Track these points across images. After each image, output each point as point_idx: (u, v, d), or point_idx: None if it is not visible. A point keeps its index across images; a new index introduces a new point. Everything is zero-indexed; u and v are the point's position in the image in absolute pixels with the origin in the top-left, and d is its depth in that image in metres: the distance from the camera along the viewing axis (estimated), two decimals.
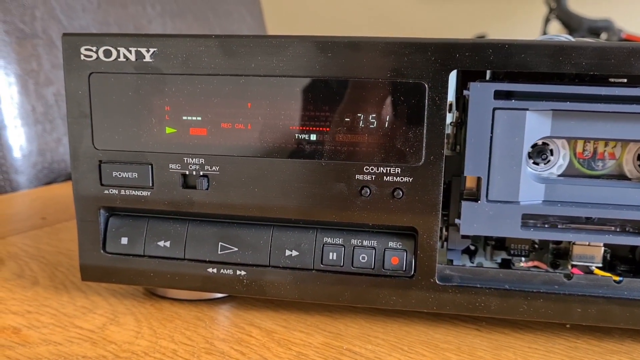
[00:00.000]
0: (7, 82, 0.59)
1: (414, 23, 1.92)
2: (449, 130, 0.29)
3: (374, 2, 1.92)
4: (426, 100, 0.26)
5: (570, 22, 1.67)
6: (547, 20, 1.65)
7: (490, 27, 1.94)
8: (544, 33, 1.65)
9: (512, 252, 0.30)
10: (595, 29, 1.67)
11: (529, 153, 0.27)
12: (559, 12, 1.68)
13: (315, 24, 1.92)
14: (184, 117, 0.28)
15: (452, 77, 0.26)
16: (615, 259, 0.29)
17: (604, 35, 1.68)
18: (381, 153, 0.26)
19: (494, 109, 0.26)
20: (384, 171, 0.26)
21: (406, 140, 0.26)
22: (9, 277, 0.35)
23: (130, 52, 0.27)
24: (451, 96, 0.27)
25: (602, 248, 0.28)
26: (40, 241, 0.42)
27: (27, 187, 0.59)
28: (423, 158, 0.26)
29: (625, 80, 0.27)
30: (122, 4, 0.72)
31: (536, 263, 0.29)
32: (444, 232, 0.29)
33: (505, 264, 0.30)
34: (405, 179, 0.26)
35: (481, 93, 0.26)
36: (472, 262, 0.30)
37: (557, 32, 1.68)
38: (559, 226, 0.28)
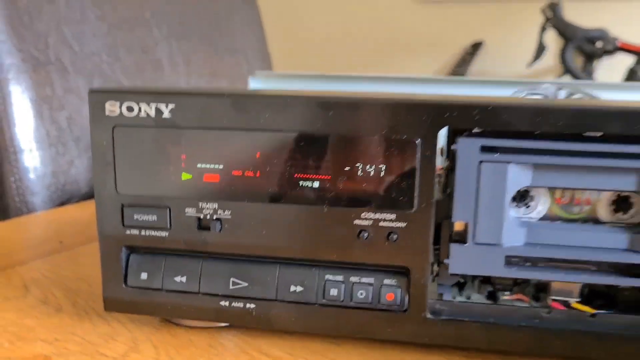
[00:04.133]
0: (24, 107, 0.62)
1: (411, 28, 1.95)
2: (440, 174, 0.32)
3: (371, 8, 1.94)
4: (418, 155, 0.28)
5: (566, 32, 1.69)
6: (543, 29, 1.68)
7: (487, 32, 1.96)
8: (540, 42, 1.68)
9: (497, 287, 0.32)
10: (590, 38, 1.70)
11: (512, 198, 0.30)
12: (555, 21, 1.71)
13: (314, 35, 1.95)
14: (199, 165, 0.31)
15: (443, 131, 0.29)
16: (593, 294, 0.32)
17: (599, 44, 1.71)
18: (378, 201, 0.29)
19: (480, 162, 0.28)
20: (380, 217, 0.29)
21: (400, 189, 0.29)
22: (35, 304, 0.38)
23: (150, 107, 0.30)
24: (442, 142, 0.30)
25: (580, 284, 0.31)
26: (60, 266, 0.45)
27: (41, 208, 0.62)
28: (415, 206, 0.29)
29: (600, 133, 0.29)
30: (129, 27, 0.74)
31: (519, 296, 0.32)
32: (436, 268, 0.32)
33: (492, 296, 0.33)
34: (399, 224, 0.29)
35: (468, 147, 0.28)
36: (462, 295, 0.33)
37: (553, 41, 1.70)
38: (539, 265, 0.30)
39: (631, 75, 1.65)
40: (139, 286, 0.33)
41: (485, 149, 0.28)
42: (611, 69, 1.73)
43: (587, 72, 1.69)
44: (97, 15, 0.69)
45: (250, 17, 0.99)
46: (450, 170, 0.31)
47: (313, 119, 0.29)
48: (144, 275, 0.32)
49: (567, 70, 1.64)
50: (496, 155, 0.28)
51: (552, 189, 0.30)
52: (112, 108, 0.30)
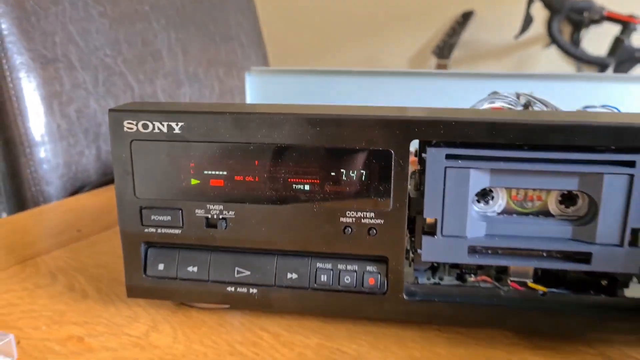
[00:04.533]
0: (35, 104, 0.66)
1: None
2: (414, 175, 0.37)
3: None
4: (392, 163, 0.33)
5: (553, 3, 1.72)
6: (530, 1, 1.71)
7: (477, 2, 1.99)
8: (527, 14, 1.70)
9: (464, 270, 0.38)
10: (577, 9, 1.73)
11: (475, 195, 0.35)
12: None
13: (306, 5, 1.97)
14: (205, 172, 0.36)
15: (414, 142, 0.34)
16: (545, 275, 0.37)
17: (586, 14, 1.74)
18: (359, 201, 0.34)
19: (445, 168, 0.33)
20: (362, 215, 0.34)
21: (378, 192, 0.34)
22: (63, 291, 0.44)
23: (163, 125, 0.35)
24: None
25: (533, 267, 0.36)
26: (81, 254, 0.50)
27: (56, 196, 0.67)
28: (391, 205, 0.34)
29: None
30: (130, 22, 0.78)
31: (483, 278, 0.38)
32: (412, 255, 0.37)
33: (460, 278, 0.38)
34: (378, 221, 0.34)
35: (435, 156, 0.33)
36: (435, 277, 0.39)
37: (540, 10, 1.72)
38: (499, 252, 0.36)
39: (617, 44, 1.69)
40: (156, 275, 0.38)
41: (449, 157, 0.33)
42: (598, 38, 1.76)
43: (574, 42, 1.72)
44: (99, 11, 0.72)
45: (243, 2, 1.02)
46: (422, 172, 0.36)
47: (303, 133, 0.34)
48: (160, 266, 0.38)
49: (554, 41, 1.68)
50: (459, 162, 0.33)
51: (508, 188, 0.35)
52: (129, 125, 0.35)
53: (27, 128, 0.65)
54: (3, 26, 0.63)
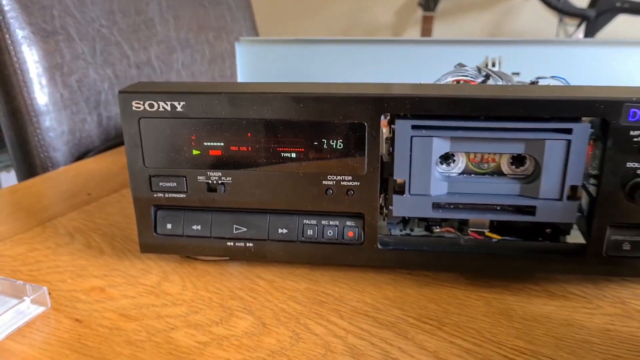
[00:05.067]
0: (38, 75, 0.71)
1: None
2: (387, 143, 0.43)
3: None
4: (366, 134, 0.39)
5: None
6: None
7: None
8: None
9: (430, 222, 0.44)
10: None
11: (439, 158, 0.41)
12: None
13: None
14: (205, 144, 0.41)
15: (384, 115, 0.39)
16: (500, 226, 0.43)
17: None
18: (339, 167, 0.40)
19: (412, 137, 0.39)
20: (341, 178, 0.40)
21: (354, 158, 0.40)
22: (82, 249, 0.50)
23: (167, 104, 0.40)
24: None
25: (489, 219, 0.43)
26: (93, 216, 0.56)
27: (63, 162, 0.72)
28: (365, 169, 0.40)
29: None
30: None
31: (447, 229, 0.44)
32: (385, 211, 0.43)
33: (428, 229, 0.44)
34: (354, 183, 0.40)
35: (403, 127, 0.39)
36: (406, 229, 0.45)
37: None
38: (459, 207, 0.42)
39: None
40: (165, 234, 0.44)
41: (415, 127, 0.39)
42: None
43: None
44: None
45: None
46: (392, 140, 0.41)
47: (289, 109, 0.39)
48: (169, 226, 0.44)
49: None
50: (423, 132, 0.39)
51: (466, 153, 0.41)
52: (137, 105, 0.40)
53: (32, 99, 0.69)
54: (4, 2, 0.67)
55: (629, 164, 0.37)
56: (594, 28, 1.64)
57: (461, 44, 0.66)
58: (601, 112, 0.37)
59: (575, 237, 0.42)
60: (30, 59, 0.69)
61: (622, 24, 1.72)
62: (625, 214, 0.39)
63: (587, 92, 0.38)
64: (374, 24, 2.34)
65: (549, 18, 1.92)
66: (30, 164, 0.70)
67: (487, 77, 0.46)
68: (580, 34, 1.53)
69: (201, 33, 0.94)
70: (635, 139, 0.37)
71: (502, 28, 2.10)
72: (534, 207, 0.40)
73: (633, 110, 0.36)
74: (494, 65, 0.63)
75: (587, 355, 0.35)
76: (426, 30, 1.93)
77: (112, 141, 0.78)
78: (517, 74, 0.63)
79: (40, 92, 0.70)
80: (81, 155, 0.75)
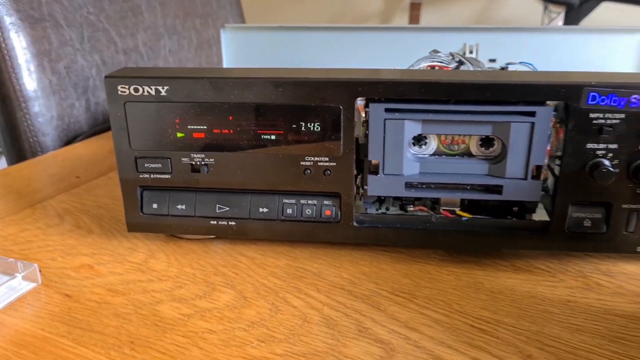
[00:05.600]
0: (27, 61, 0.72)
1: None
2: (363, 126, 0.45)
3: None
4: (342, 117, 0.41)
5: None
6: None
7: None
8: None
9: (404, 201, 0.46)
10: None
11: (413, 140, 0.43)
12: None
13: None
14: (189, 126, 0.43)
15: (360, 99, 0.41)
16: (470, 204, 0.46)
17: None
18: (316, 148, 0.42)
19: (385, 120, 0.41)
20: (318, 159, 0.42)
21: (331, 140, 0.42)
22: (71, 229, 0.51)
23: (151, 89, 0.42)
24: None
25: (459, 198, 0.45)
26: (82, 197, 0.58)
27: (52, 146, 0.74)
28: (341, 151, 0.42)
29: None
30: None
31: (420, 207, 0.46)
32: (361, 191, 0.45)
33: (402, 208, 0.47)
34: (331, 164, 0.42)
35: (377, 110, 0.41)
36: (381, 208, 0.47)
37: None
38: (430, 187, 0.44)
39: None
40: (151, 213, 0.46)
41: (388, 110, 0.41)
42: None
43: None
44: None
45: None
46: (368, 123, 0.43)
47: (268, 93, 0.41)
48: (154, 206, 0.45)
49: None
50: (396, 115, 0.41)
51: (438, 135, 0.43)
52: (122, 89, 0.42)
53: (21, 84, 0.70)
54: None
55: (589, 145, 0.40)
56: (578, 16, 1.66)
57: (442, 31, 0.68)
58: (563, 95, 0.39)
59: (541, 215, 0.45)
60: (19, 46, 0.71)
61: (605, 12, 1.74)
62: (586, 193, 0.41)
63: (549, 77, 0.40)
64: (362, 11, 2.35)
65: (535, 5, 1.94)
66: (19, 148, 0.72)
67: (460, 63, 0.48)
68: (560, 21, 1.55)
69: (188, 19, 0.95)
70: (594, 121, 0.39)
71: (489, 14, 2.12)
72: (501, 187, 0.42)
73: (592, 94, 0.38)
74: (471, 52, 0.65)
75: (547, 324, 0.38)
76: (414, 17, 1.95)
77: (99, 126, 0.79)
78: (494, 60, 0.65)
79: (28, 78, 0.71)
80: (70, 140, 0.76)
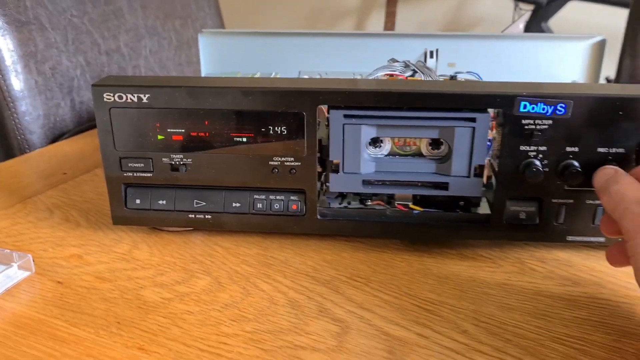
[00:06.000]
0: (14, 63, 0.76)
1: None
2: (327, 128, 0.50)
3: None
4: (305, 122, 0.46)
5: None
6: None
7: None
8: None
9: (363, 196, 0.51)
10: None
11: (371, 141, 0.48)
12: None
13: None
14: (169, 129, 0.48)
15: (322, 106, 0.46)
16: (422, 199, 0.51)
17: None
18: (283, 150, 0.47)
19: (344, 124, 0.46)
20: (285, 159, 0.47)
21: (296, 143, 0.47)
22: (60, 222, 0.56)
23: (134, 96, 0.46)
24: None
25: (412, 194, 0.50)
26: (70, 193, 0.62)
27: (39, 144, 0.78)
28: (305, 152, 0.47)
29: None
30: None
31: (378, 202, 0.51)
32: (325, 187, 0.51)
33: (362, 202, 0.52)
34: (296, 163, 0.47)
35: (337, 116, 0.46)
36: (343, 203, 0.52)
37: None
38: (386, 184, 0.49)
39: None
40: (134, 208, 0.50)
41: (347, 116, 0.46)
42: None
43: None
44: None
45: None
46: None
47: (239, 101, 0.46)
48: (137, 201, 0.50)
49: None
50: (353, 120, 0.46)
51: (391, 137, 0.48)
52: (108, 97, 0.46)
53: (8, 85, 0.74)
54: None
55: (522, 147, 0.45)
56: (547, 14, 1.72)
57: (406, 37, 0.73)
58: (499, 104, 0.44)
59: (485, 208, 0.50)
60: (6, 48, 0.74)
61: (572, 11, 1.81)
62: (521, 189, 0.47)
63: (488, 87, 0.45)
64: (338, 9, 2.39)
65: (507, 4, 2.01)
66: (8, 146, 0.76)
67: (414, 72, 0.53)
68: (521, 24, 1.61)
69: (168, 21, 0.99)
70: (526, 127, 0.44)
71: (463, 11, 2.18)
72: (447, 183, 0.47)
73: (524, 102, 0.44)
74: (432, 56, 0.70)
75: (484, 304, 0.43)
76: (390, 14, 2.00)
77: (84, 125, 0.83)
78: (453, 64, 0.70)
79: (15, 79, 0.75)
80: (56, 137, 0.80)
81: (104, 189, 0.61)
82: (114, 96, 0.46)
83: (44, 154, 0.75)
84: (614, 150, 0.44)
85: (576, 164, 0.45)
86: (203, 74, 0.71)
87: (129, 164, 0.49)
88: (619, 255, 0.41)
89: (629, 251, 0.35)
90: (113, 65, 0.89)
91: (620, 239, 0.42)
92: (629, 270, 0.38)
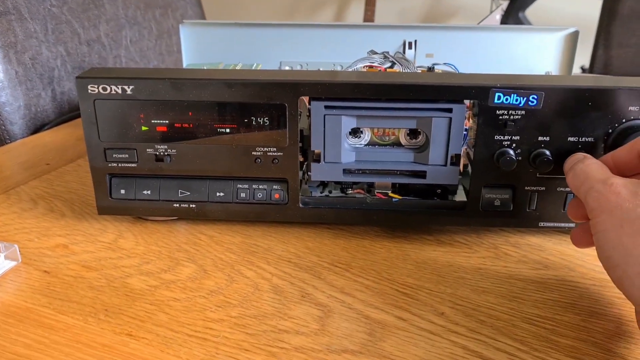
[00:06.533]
0: None
1: None
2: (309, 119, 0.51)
3: None
4: (287, 113, 0.47)
5: None
6: None
7: None
8: None
9: (344, 185, 0.53)
10: None
11: (351, 131, 0.49)
12: None
13: None
14: (153, 121, 0.48)
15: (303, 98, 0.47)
16: (400, 187, 0.53)
17: None
18: (265, 140, 0.48)
19: (324, 115, 0.47)
20: (267, 150, 0.48)
21: (278, 133, 0.48)
22: (45, 213, 0.56)
23: (118, 88, 0.47)
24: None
25: (391, 182, 0.52)
26: (53, 183, 0.63)
27: (20, 134, 0.78)
28: (287, 142, 0.48)
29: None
30: None
31: (358, 190, 0.53)
32: (306, 176, 0.52)
33: (343, 191, 0.53)
34: (279, 154, 0.48)
35: (318, 107, 0.47)
36: (325, 191, 0.53)
37: None
38: (366, 172, 0.51)
39: None
40: (119, 198, 0.51)
41: (327, 107, 0.47)
42: None
43: None
44: None
45: None
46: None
47: (222, 92, 0.47)
48: (122, 191, 0.51)
49: None
50: (334, 111, 0.47)
51: (371, 127, 0.50)
52: (92, 88, 0.47)
53: None
54: None
55: (496, 137, 0.47)
56: (524, 4, 1.75)
57: (385, 28, 0.74)
58: (474, 95, 0.46)
59: (461, 195, 0.52)
60: None
61: (550, 0, 1.83)
62: (495, 177, 0.48)
63: (463, 79, 0.47)
64: None
65: None
66: None
67: (393, 63, 0.55)
68: (498, 15, 1.63)
69: (148, 10, 0.99)
70: (500, 117, 0.46)
71: (442, 1, 2.19)
72: (425, 172, 0.49)
73: (498, 93, 0.45)
74: (410, 47, 0.71)
75: (460, 288, 0.45)
76: (369, 4, 2.00)
77: (66, 115, 0.83)
78: (431, 55, 0.72)
79: None
80: (37, 128, 0.80)
81: (87, 179, 0.62)
82: (98, 88, 0.47)
83: (25, 144, 0.75)
84: (583, 139, 0.46)
85: (548, 152, 0.46)
86: (185, 65, 0.71)
87: (114, 155, 0.49)
88: (583, 236, 0.42)
89: (593, 229, 0.36)
90: (94, 55, 0.89)
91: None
92: (596, 253, 0.40)
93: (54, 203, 0.58)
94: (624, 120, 0.45)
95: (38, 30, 0.79)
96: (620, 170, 0.41)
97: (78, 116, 0.83)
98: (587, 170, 0.40)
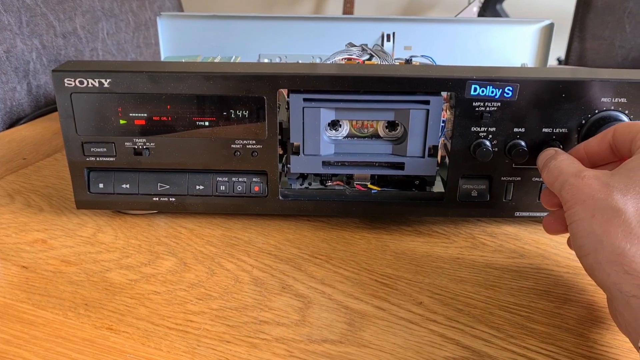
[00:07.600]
0: None
1: None
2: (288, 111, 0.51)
3: None
4: (266, 106, 0.47)
5: None
6: None
7: None
8: None
9: (323, 177, 0.53)
10: None
11: (330, 124, 0.50)
12: None
13: None
14: (131, 114, 0.48)
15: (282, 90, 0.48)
16: (379, 179, 0.53)
17: None
18: (244, 133, 0.48)
19: (303, 108, 0.48)
20: (246, 142, 0.49)
21: (257, 126, 0.48)
22: (22, 208, 0.56)
23: (95, 81, 0.47)
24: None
25: (369, 174, 0.52)
26: (30, 178, 0.62)
27: None
28: (266, 135, 0.48)
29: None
30: None
31: (337, 182, 0.53)
32: (286, 169, 0.52)
33: (322, 183, 0.54)
34: (258, 146, 0.49)
35: (296, 100, 0.47)
36: (304, 183, 0.54)
37: None
38: (345, 164, 0.51)
39: None
40: (98, 192, 0.51)
41: (306, 100, 0.47)
42: None
43: None
44: None
45: None
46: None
47: (200, 85, 0.47)
48: (101, 185, 0.51)
49: None
50: (313, 104, 0.47)
51: (349, 120, 0.50)
52: (69, 82, 0.47)
53: None
54: None
55: (473, 128, 0.48)
56: None
57: (363, 21, 0.75)
58: (450, 87, 0.46)
59: (439, 187, 0.53)
60: None
61: None
62: (472, 168, 0.49)
63: (440, 71, 0.47)
64: None
65: None
66: None
67: (372, 56, 0.55)
68: (475, 7, 1.64)
69: (125, 2, 0.98)
70: (476, 109, 0.47)
71: None
72: (403, 163, 0.50)
73: (474, 85, 0.46)
74: (388, 39, 0.72)
75: (438, 277, 0.46)
76: None
77: (43, 109, 0.82)
78: (410, 47, 0.72)
79: None
80: (13, 122, 0.79)
81: (65, 173, 0.61)
82: (74, 81, 0.47)
83: (2, 138, 0.74)
84: (558, 130, 0.47)
85: (523, 143, 0.47)
86: (163, 58, 0.71)
87: (92, 149, 0.49)
88: (554, 223, 0.43)
89: (568, 219, 0.37)
90: (70, 48, 0.87)
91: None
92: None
93: (31, 198, 0.58)
94: (596, 111, 0.46)
95: (12, 22, 0.78)
96: (592, 160, 0.42)
97: (55, 110, 0.82)
98: (560, 165, 0.40)
